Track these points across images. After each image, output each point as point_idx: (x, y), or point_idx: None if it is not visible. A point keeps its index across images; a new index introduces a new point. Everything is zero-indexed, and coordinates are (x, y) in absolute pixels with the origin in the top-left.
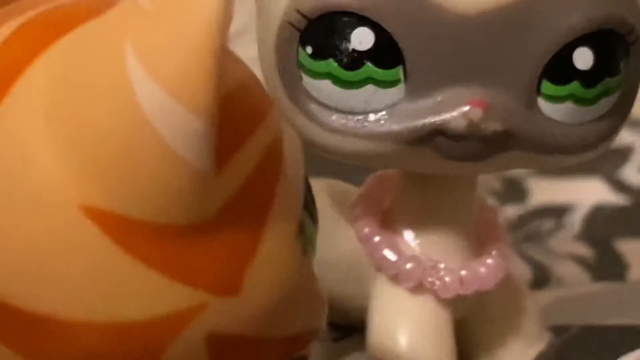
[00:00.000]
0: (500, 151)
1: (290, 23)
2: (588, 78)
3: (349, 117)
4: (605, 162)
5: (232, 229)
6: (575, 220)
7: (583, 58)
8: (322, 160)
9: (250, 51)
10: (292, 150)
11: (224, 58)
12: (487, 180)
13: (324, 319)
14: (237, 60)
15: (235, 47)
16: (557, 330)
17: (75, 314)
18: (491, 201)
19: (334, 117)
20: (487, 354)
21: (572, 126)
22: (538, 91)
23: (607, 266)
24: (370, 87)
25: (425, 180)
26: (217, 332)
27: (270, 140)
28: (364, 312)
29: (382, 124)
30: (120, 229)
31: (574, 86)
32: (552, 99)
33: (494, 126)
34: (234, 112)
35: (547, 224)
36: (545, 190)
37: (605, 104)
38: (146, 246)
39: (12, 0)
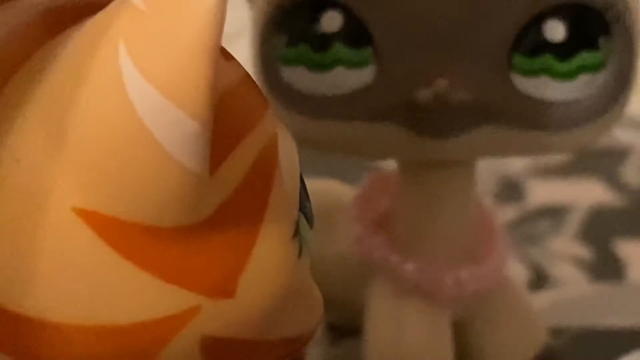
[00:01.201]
0: (473, 126)
1: (268, 15)
2: (561, 50)
3: (321, 100)
4: (604, 163)
5: (227, 231)
6: (573, 221)
7: (553, 30)
8: (318, 161)
9: (245, 53)
10: (287, 151)
11: (219, 58)
12: (485, 181)
13: (320, 321)
14: (232, 61)
15: (231, 49)
16: (555, 332)
17: (68, 317)
18: (489, 202)
19: (308, 102)
20: (485, 356)
21: (552, 102)
22: (511, 65)
23: (605, 267)
24: (340, 69)
25: (423, 181)
26: (212, 335)
27: (265, 141)
28: (360, 313)
29: (351, 105)
30: (114, 231)
31: (547, 59)
32: (525, 72)
33: (461, 96)
34: (229, 113)
35: (545, 224)
36: (543, 191)
37: (588, 81)
38: (140, 248)
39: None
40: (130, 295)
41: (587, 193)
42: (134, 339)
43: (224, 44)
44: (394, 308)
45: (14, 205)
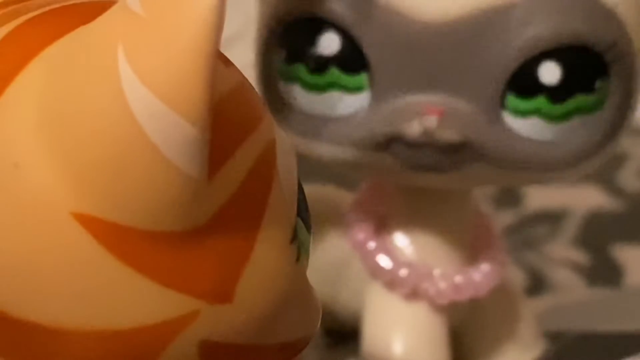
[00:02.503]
0: (462, 164)
1: (269, 28)
2: (555, 93)
3: (315, 121)
4: (601, 168)
5: (225, 236)
6: (570, 226)
7: (549, 72)
8: (316, 166)
9: (243, 58)
10: (285, 157)
11: (217, 63)
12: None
13: (318, 326)
14: (230, 66)
15: (229, 54)
16: (552, 337)
17: (66, 322)
18: (486, 207)
19: (302, 120)
20: None
21: (543, 143)
22: (503, 105)
23: (602, 272)
24: (335, 93)
25: (421, 188)
26: (210, 339)
27: (263, 146)
28: (358, 318)
29: (344, 130)
30: (113, 236)
31: (540, 101)
32: (517, 113)
33: (449, 135)
34: (227, 118)
35: (542, 229)
36: (540, 196)
37: (582, 122)
38: (138, 253)
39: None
40: (129, 300)
41: (585, 198)
42: (133, 343)
43: (222, 49)
44: (392, 313)
45: (12, 210)
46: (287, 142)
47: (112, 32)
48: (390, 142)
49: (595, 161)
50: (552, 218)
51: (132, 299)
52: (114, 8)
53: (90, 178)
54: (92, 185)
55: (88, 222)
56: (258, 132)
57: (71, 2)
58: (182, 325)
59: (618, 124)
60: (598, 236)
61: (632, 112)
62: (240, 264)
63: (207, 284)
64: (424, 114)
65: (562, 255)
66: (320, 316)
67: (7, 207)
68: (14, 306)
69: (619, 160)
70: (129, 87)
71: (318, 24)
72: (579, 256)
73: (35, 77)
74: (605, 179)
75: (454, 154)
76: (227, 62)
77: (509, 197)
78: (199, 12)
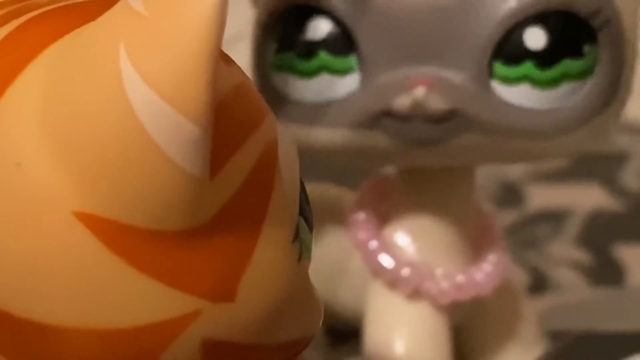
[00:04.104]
0: (453, 134)
1: (261, 22)
2: (542, 58)
3: (309, 108)
4: (603, 167)
5: (228, 235)
6: (572, 226)
7: (534, 37)
8: (318, 165)
9: (245, 57)
10: (287, 155)
11: (219, 63)
12: (485, 186)
13: (320, 325)
14: (232, 65)
15: (231, 53)
16: (555, 336)
17: (69, 321)
18: (488, 206)
19: (296, 108)
20: None
21: (534, 111)
22: (491, 73)
23: (604, 272)
24: (325, 76)
25: (422, 185)
26: (212, 338)
27: (265, 145)
28: (360, 317)
29: (337, 112)
30: (115, 235)
31: (527, 67)
32: (506, 80)
33: (437, 104)
34: (230, 117)
35: (545, 229)
36: (542, 195)
37: (571, 89)
38: (140, 252)
39: (9, 3)
40: (131, 299)
41: (587, 198)
42: (135, 342)
43: (224, 49)
44: (393, 313)
45: (14, 209)
46: (289, 141)
47: (114, 31)
48: (381, 118)
49: (588, 131)
50: (554, 217)
51: (134, 298)
52: (116, 7)
53: (92, 177)
54: (94, 184)
55: (90, 221)
56: (260, 131)
57: (73, 2)
58: (184, 324)
59: (609, 91)
60: (600, 236)
61: (627, 81)
62: (242, 263)
63: (209, 283)
64: (413, 86)
65: (564, 254)
66: (322, 315)
67: (9, 206)
68: (15, 305)
69: (621, 160)
70: (131, 86)
71: (306, 11)
72: (581, 256)
73: (37, 76)
74: (607, 178)
75: (444, 125)
76: (229, 61)
77: (511, 197)
78: (201, 11)
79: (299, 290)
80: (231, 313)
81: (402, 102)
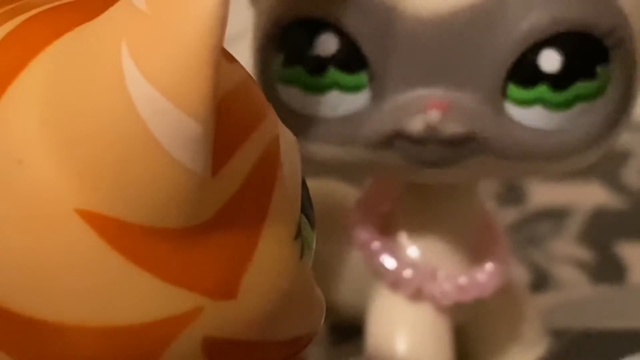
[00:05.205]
0: (467, 157)
1: (265, 33)
2: (556, 81)
3: (316, 123)
4: (605, 165)
5: (229, 233)
6: (574, 223)
7: (549, 60)
8: (326, 167)
9: (247, 55)
10: (289, 153)
11: (221, 60)
12: (487, 184)
13: (322, 323)
14: (234, 63)
15: (232, 51)
16: (557, 334)
17: (71, 318)
18: (490, 204)
19: (303, 123)
20: (487, 359)
21: (547, 132)
22: (505, 95)
23: (606, 269)
24: (335, 93)
25: (425, 186)
26: (214, 336)
27: (267, 142)
28: (362, 316)
29: (346, 130)
30: (117, 232)
31: (542, 89)
32: (520, 102)
33: (453, 128)
34: (231, 115)
35: (546, 227)
36: (544, 193)
37: (583, 109)
38: (142, 250)
39: (10, 1)
40: (133, 296)
41: (588, 195)
42: (136, 340)
43: (226, 46)
44: (396, 313)
45: (15, 207)
46: (290, 139)
47: (116, 28)
48: (394, 139)
49: (599, 149)
50: (556, 215)
51: (136, 295)
52: (118, 5)
53: (94, 175)
54: (95, 181)
55: (92, 219)
56: (262, 128)
57: None
58: (186, 322)
59: (621, 110)
60: (602, 233)
61: (635, 100)
62: (244, 261)
63: (211, 281)
64: (427, 109)
65: (565, 252)
66: (324, 313)
67: (11, 204)
68: (17, 302)
69: (623, 157)
70: (132, 84)
71: (314, 25)
72: (583, 253)
73: (39, 73)
74: (609, 176)
75: (459, 148)
76: (231, 58)
77: (512, 195)
78: (203, 8)
79: (301, 287)
80: (233, 310)
81: (415, 125)
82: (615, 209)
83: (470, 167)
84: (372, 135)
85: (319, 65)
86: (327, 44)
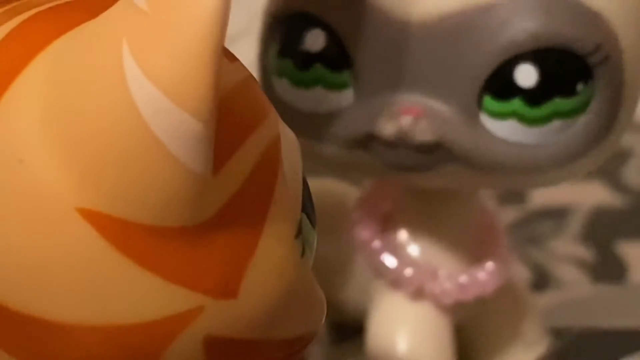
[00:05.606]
0: (438, 164)
1: (265, 21)
2: (531, 96)
3: (301, 117)
4: (605, 164)
5: (230, 232)
6: (575, 222)
7: (525, 75)
8: (316, 163)
9: (248, 54)
10: (290, 151)
11: (222, 59)
12: None
13: (322, 322)
14: (235, 61)
15: (234, 50)
16: (557, 333)
17: (72, 317)
18: (490, 203)
19: (290, 115)
20: (487, 358)
21: (522, 146)
22: (481, 106)
23: (607, 268)
24: (319, 89)
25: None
26: (215, 334)
27: (268, 141)
28: (363, 315)
29: (327, 127)
30: (118, 231)
31: (516, 104)
32: (494, 115)
33: (423, 136)
34: (232, 114)
35: (547, 226)
36: (544, 192)
37: (561, 125)
38: (143, 248)
39: (11, 0)
40: (134, 295)
41: (589, 194)
42: (137, 338)
43: (227, 45)
44: (396, 312)
45: (17, 206)
46: (291, 137)
47: (117, 27)
48: (369, 141)
49: (581, 166)
50: (557, 214)
51: (137, 294)
52: (119, 4)
53: (95, 173)
54: (97, 180)
55: (93, 218)
56: (263, 127)
57: None
58: (187, 321)
59: (604, 128)
60: (602, 232)
61: (622, 116)
62: (245, 260)
63: (211, 280)
64: (400, 114)
65: (566, 251)
66: (325, 312)
67: (12, 203)
68: (18, 301)
69: (623, 156)
70: (134, 83)
71: (305, 20)
72: (583, 252)
73: (40, 72)
74: (610, 175)
75: (429, 154)
76: (232, 57)
77: (513, 193)
78: (204, 7)
79: (302, 286)
80: (234, 309)
81: (388, 129)
82: (615, 208)
83: (446, 175)
84: (348, 135)
85: (306, 60)
86: (315, 40)
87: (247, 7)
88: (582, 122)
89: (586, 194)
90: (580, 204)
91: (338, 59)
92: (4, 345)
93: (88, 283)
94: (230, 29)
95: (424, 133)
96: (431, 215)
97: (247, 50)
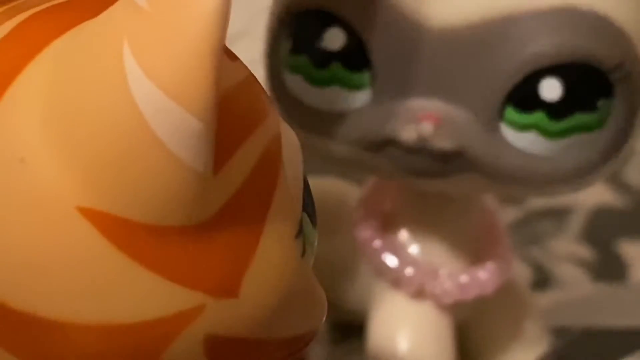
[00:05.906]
0: (454, 172)
1: (278, 17)
2: (555, 110)
3: (315, 115)
4: None
5: (231, 231)
6: (575, 222)
7: (550, 88)
8: (322, 160)
9: (249, 53)
10: (291, 150)
11: (223, 58)
12: None
13: (323, 321)
14: (236, 61)
15: (234, 49)
16: (558, 333)
17: (73, 316)
18: (492, 203)
19: (303, 113)
20: (488, 358)
21: (540, 158)
22: (502, 116)
23: (607, 268)
24: (336, 88)
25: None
26: (216, 334)
27: (269, 140)
28: (363, 314)
29: (342, 127)
30: (118, 230)
31: (539, 116)
32: (515, 126)
33: (443, 143)
34: (233, 113)
35: (548, 225)
36: None
37: (581, 140)
38: (144, 248)
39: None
40: (134, 294)
41: (590, 194)
42: (138, 338)
43: (228, 44)
44: (397, 312)
45: (18, 205)
46: (292, 136)
47: (118, 26)
48: (385, 145)
49: (593, 178)
50: (558, 214)
51: (138, 293)
52: (120, 2)
53: (96, 173)
54: (98, 180)
55: (94, 217)
56: (264, 126)
57: None
58: (188, 320)
59: (619, 142)
60: (603, 232)
61: (637, 130)
62: (246, 259)
63: (212, 279)
64: (420, 120)
65: (567, 250)
66: (326, 311)
67: (13, 202)
68: (19, 300)
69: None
70: (134, 82)
71: (325, 18)
72: (584, 252)
73: (40, 72)
74: (611, 174)
75: (447, 162)
76: (233, 56)
77: None
78: (205, 6)
79: (302, 286)
80: (234, 308)
81: (408, 134)
82: (616, 207)
83: (459, 183)
84: (362, 136)
85: (324, 58)
86: (334, 39)
87: (247, 7)
88: (600, 137)
89: (587, 194)
90: (581, 204)
91: (357, 59)
92: (5, 344)
93: (89, 282)
94: (230, 29)
95: (443, 140)
96: (432, 215)
97: (247, 50)
